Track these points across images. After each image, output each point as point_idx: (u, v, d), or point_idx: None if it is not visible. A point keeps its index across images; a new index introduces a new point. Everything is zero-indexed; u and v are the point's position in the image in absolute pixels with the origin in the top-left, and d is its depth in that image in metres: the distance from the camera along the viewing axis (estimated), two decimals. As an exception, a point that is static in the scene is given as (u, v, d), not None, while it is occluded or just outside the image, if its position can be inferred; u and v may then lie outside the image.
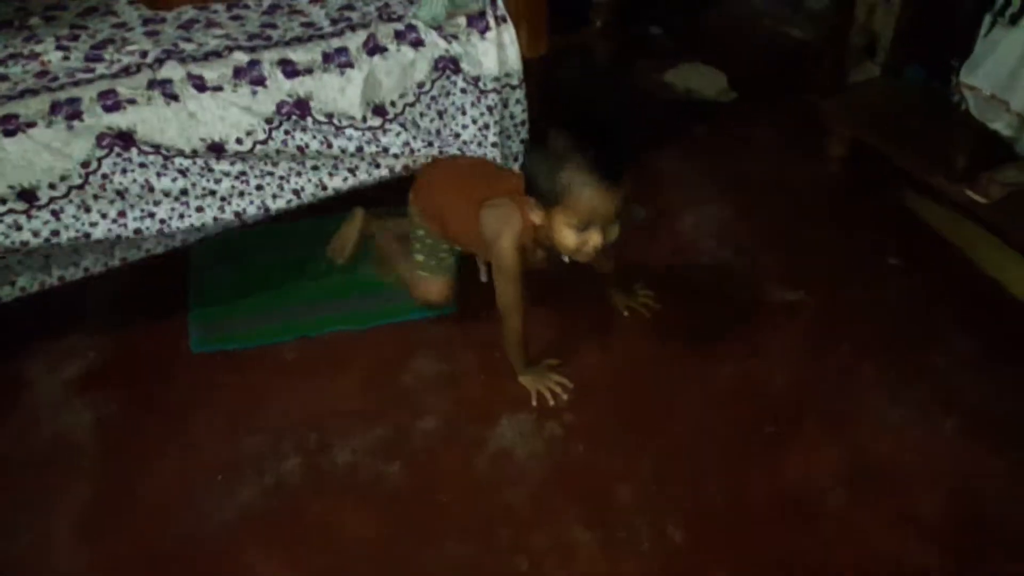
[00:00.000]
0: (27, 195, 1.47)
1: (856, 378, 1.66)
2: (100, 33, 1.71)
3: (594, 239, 1.36)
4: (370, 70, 1.66)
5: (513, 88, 1.83)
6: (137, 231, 1.57)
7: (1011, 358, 1.69)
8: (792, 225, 2.08)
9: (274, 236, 1.93)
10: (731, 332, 1.77)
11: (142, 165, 1.54)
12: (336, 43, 1.66)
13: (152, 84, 1.53)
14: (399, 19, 1.73)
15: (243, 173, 1.62)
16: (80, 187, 1.50)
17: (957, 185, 1.89)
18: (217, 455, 1.52)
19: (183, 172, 1.57)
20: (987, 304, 1.83)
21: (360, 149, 1.69)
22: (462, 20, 1.75)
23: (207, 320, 1.78)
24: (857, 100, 2.27)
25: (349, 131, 1.67)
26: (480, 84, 1.78)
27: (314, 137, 1.64)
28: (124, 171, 1.53)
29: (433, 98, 1.76)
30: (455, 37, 1.74)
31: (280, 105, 1.60)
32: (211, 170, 1.59)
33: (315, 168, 1.69)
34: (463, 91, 1.78)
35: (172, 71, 1.55)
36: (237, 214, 1.64)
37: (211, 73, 1.57)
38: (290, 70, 1.61)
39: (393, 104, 1.71)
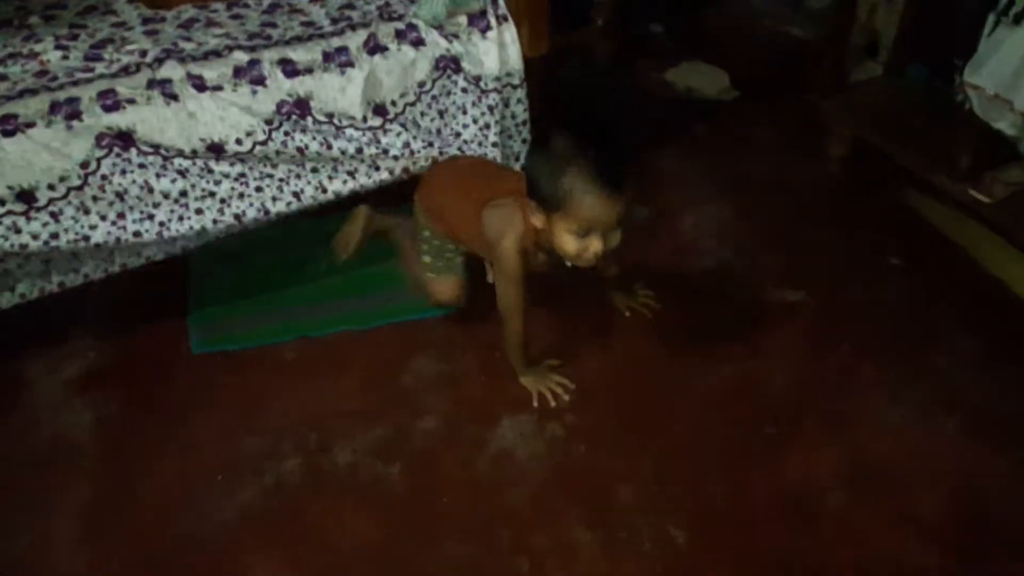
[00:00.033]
0: (26, 196, 1.47)
1: (857, 378, 1.66)
2: (99, 32, 1.70)
3: (595, 246, 1.35)
4: (371, 69, 1.66)
5: (514, 87, 1.82)
6: (136, 233, 1.57)
7: (1014, 357, 1.69)
8: (793, 225, 2.07)
9: (274, 237, 1.92)
10: (731, 332, 1.77)
11: (141, 166, 1.53)
12: (336, 42, 1.66)
13: (152, 84, 1.53)
14: (400, 18, 1.73)
15: (242, 175, 1.62)
16: (79, 188, 1.50)
17: (960, 184, 1.89)
18: (217, 455, 1.51)
19: (182, 173, 1.57)
20: (989, 304, 1.83)
21: (360, 151, 1.68)
22: (463, 19, 1.74)
23: (207, 321, 1.78)
24: (858, 99, 2.26)
25: (349, 131, 1.67)
26: (481, 84, 1.77)
27: (314, 138, 1.64)
28: (123, 172, 1.52)
29: (434, 97, 1.76)
30: (456, 36, 1.73)
31: (280, 105, 1.60)
32: (210, 171, 1.59)
33: (315, 171, 1.68)
34: (464, 90, 1.78)
35: (172, 71, 1.55)
36: (236, 216, 1.64)
37: (211, 73, 1.56)
38: (290, 69, 1.61)
39: (394, 104, 1.71)
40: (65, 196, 1.50)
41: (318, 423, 1.57)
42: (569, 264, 1.45)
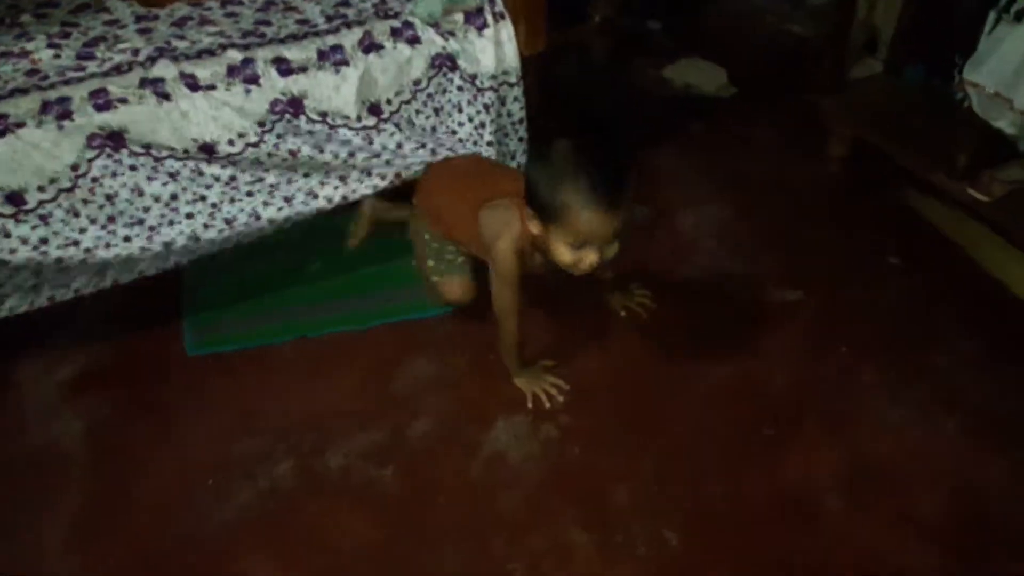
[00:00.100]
0: (15, 198, 1.45)
1: (856, 378, 1.65)
2: (92, 31, 1.69)
3: (590, 258, 1.35)
4: (366, 68, 1.65)
5: (511, 86, 1.81)
6: (127, 238, 1.55)
7: (1014, 357, 1.68)
8: (792, 224, 2.06)
9: (271, 237, 1.91)
10: (730, 332, 1.76)
11: (132, 168, 1.52)
12: (331, 40, 1.64)
13: (144, 83, 1.52)
14: (395, 16, 1.72)
15: (233, 178, 1.61)
16: (69, 190, 1.49)
17: (959, 183, 1.88)
18: (211, 458, 1.50)
19: (173, 176, 1.56)
20: (990, 303, 1.82)
21: (352, 154, 1.67)
22: (459, 17, 1.73)
23: (203, 322, 1.77)
24: (858, 98, 2.25)
25: (343, 131, 1.66)
26: (477, 82, 1.76)
27: (306, 142, 1.62)
28: (114, 174, 1.51)
29: (430, 95, 1.75)
30: (452, 34, 1.72)
31: (274, 103, 1.58)
32: (201, 174, 1.58)
33: (306, 175, 1.67)
34: (460, 88, 1.76)
35: (164, 69, 1.54)
36: (227, 221, 1.63)
37: (204, 71, 1.55)
38: (284, 68, 1.59)
39: (389, 102, 1.70)
40: (55, 198, 1.48)
41: (313, 425, 1.55)
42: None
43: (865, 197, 2.14)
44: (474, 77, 1.76)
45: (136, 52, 1.60)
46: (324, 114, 1.63)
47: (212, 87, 1.55)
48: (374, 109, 1.68)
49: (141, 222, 1.56)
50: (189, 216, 1.60)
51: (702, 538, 1.37)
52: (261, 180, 1.64)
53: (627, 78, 2.66)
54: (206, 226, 1.61)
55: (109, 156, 1.50)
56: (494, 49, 1.74)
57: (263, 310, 1.80)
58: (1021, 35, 1.61)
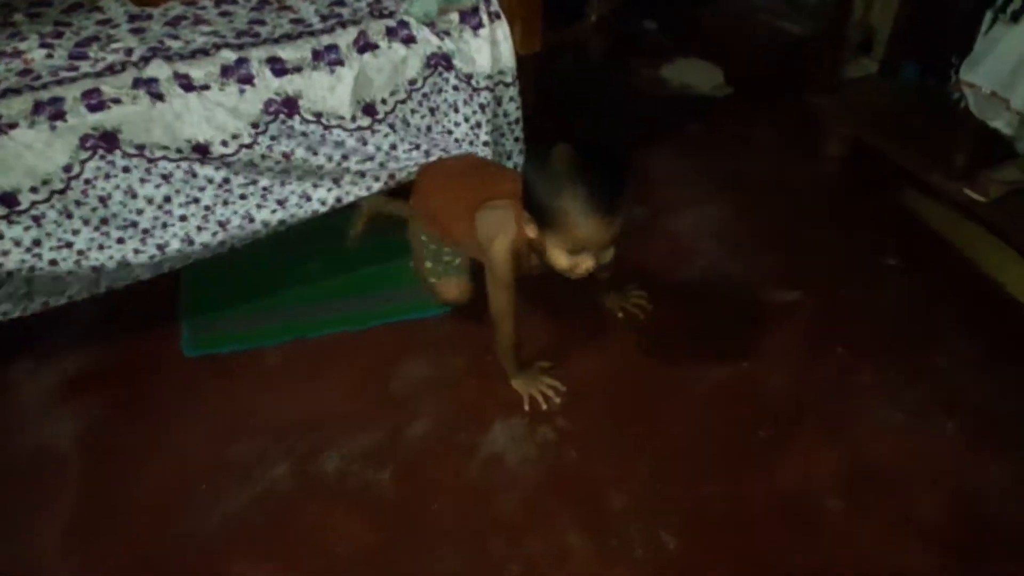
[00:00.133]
0: (8, 199, 1.44)
1: (855, 379, 1.64)
2: (85, 30, 1.67)
3: (586, 263, 1.34)
4: (361, 68, 1.64)
5: (507, 86, 1.80)
6: (120, 240, 1.54)
7: (1014, 358, 1.68)
8: (790, 225, 2.06)
9: (268, 239, 1.90)
10: (729, 333, 1.76)
11: (125, 170, 1.51)
12: (326, 40, 1.63)
13: (137, 83, 1.50)
14: (390, 15, 1.70)
15: (227, 180, 1.60)
16: (62, 192, 1.48)
17: (956, 183, 1.88)
18: (208, 460, 1.49)
19: (166, 178, 1.55)
20: (989, 304, 1.81)
21: (346, 157, 1.66)
22: (455, 16, 1.72)
23: (202, 322, 1.75)
24: (854, 98, 2.25)
25: (337, 131, 1.65)
26: (473, 82, 1.75)
27: (299, 144, 1.61)
28: (107, 176, 1.50)
29: (425, 95, 1.74)
30: (448, 34, 1.71)
31: (268, 104, 1.57)
32: (195, 176, 1.57)
33: (300, 178, 1.66)
34: (455, 88, 1.75)
35: (158, 70, 1.52)
36: (221, 223, 1.62)
37: (198, 71, 1.54)
38: (279, 68, 1.58)
39: (384, 102, 1.69)
40: (48, 199, 1.47)
41: (309, 428, 1.54)
42: None
43: (864, 197, 2.14)
44: (470, 77, 1.75)
45: (130, 52, 1.58)
46: (319, 114, 1.62)
47: (206, 87, 1.53)
48: (369, 109, 1.67)
49: (135, 225, 1.55)
50: (182, 219, 1.59)
51: (700, 540, 1.36)
52: (255, 183, 1.63)
53: (623, 78, 2.66)
54: (200, 229, 1.60)
55: (102, 158, 1.49)
56: (490, 49, 1.74)
57: (262, 310, 1.79)
58: (1018, 35, 1.61)
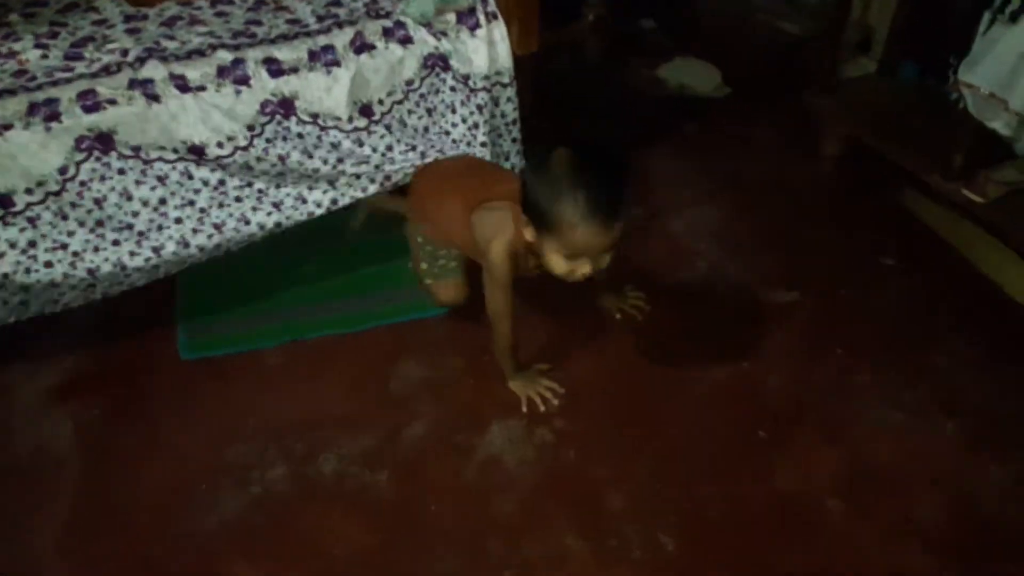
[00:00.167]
0: (3, 201, 1.44)
1: (855, 379, 1.64)
2: (80, 31, 1.67)
3: (583, 269, 1.34)
4: (357, 69, 1.63)
5: (504, 86, 1.80)
6: (115, 242, 1.54)
7: (1013, 358, 1.67)
8: (788, 225, 2.05)
9: (265, 240, 1.90)
10: (727, 334, 1.75)
11: (120, 171, 1.51)
12: (323, 41, 1.63)
13: (133, 84, 1.50)
14: (387, 16, 1.70)
15: (222, 182, 1.59)
16: (57, 194, 1.47)
17: (954, 184, 1.87)
18: (204, 462, 1.48)
19: (162, 180, 1.54)
20: (989, 304, 1.81)
21: (341, 160, 1.65)
22: (452, 17, 1.71)
23: (199, 324, 1.75)
24: (853, 98, 2.24)
25: (333, 132, 1.64)
26: (470, 82, 1.74)
27: (295, 147, 1.61)
28: (103, 178, 1.50)
29: (422, 96, 1.73)
30: (444, 34, 1.70)
31: (264, 104, 1.57)
32: (190, 178, 1.56)
33: (295, 181, 1.66)
34: (452, 89, 1.75)
35: (154, 70, 1.52)
36: (216, 226, 1.61)
37: (194, 72, 1.53)
38: (275, 69, 1.57)
39: (381, 103, 1.68)
40: (43, 201, 1.47)
41: (306, 429, 1.54)
42: None
43: (863, 197, 2.14)
44: (467, 77, 1.74)
45: (125, 52, 1.58)
46: (315, 115, 1.62)
47: (202, 88, 1.53)
48: (366, 110, 1.67)
49: (130, 227, 1.55)
50: (178, 221, 1.59)
51: (698, 542, 1.36)
52: (250, 185, 1.62)
53: (621, 78, 2.65)
54: (195, 231, 1.60)
55: (97, 159, 1.48)
56: (487, 49, 1.73)
57: (259, 312, 1.78)
58: (1016, 36, 1.60)
